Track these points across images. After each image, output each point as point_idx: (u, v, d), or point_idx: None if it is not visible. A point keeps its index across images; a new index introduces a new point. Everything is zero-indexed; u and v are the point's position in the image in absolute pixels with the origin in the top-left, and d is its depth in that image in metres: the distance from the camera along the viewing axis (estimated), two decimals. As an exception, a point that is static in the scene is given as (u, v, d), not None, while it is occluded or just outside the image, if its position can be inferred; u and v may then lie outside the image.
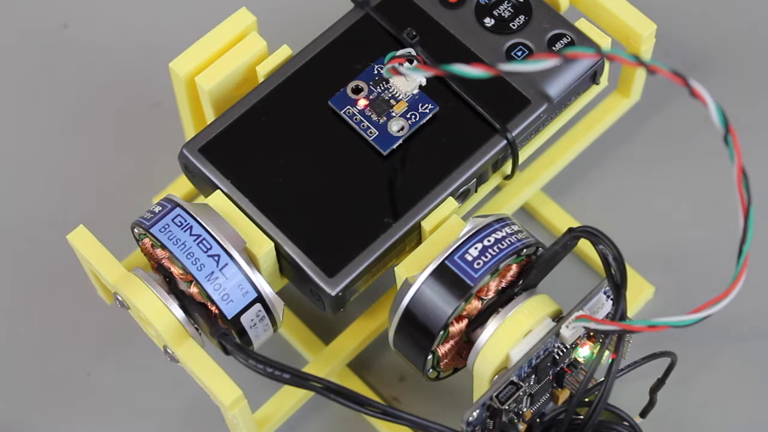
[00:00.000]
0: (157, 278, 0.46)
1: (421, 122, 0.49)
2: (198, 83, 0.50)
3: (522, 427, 0.47)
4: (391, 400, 0.55)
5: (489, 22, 0.51)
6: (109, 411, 0.55)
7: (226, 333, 0.45)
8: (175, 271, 0.46)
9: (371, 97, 0.49)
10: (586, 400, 0.46)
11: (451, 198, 0.48)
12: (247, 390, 0.46)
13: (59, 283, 0.57)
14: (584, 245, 0.56)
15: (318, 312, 0.48)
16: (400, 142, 0.48)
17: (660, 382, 0.49)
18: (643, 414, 0.50)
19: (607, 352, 0.45)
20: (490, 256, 0.45)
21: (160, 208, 0.46)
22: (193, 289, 0.46)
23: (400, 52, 0.48)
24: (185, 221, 0.45)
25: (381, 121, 0.49)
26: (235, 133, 0.49)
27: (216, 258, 0.45)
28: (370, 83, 0.49)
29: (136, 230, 0.47)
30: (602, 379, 0.45)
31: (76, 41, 0.64)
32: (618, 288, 0.44)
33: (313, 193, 0.48)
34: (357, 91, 0.49)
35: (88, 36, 0.64)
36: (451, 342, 0.46)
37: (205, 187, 0.49)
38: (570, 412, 0.45)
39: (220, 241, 0.45)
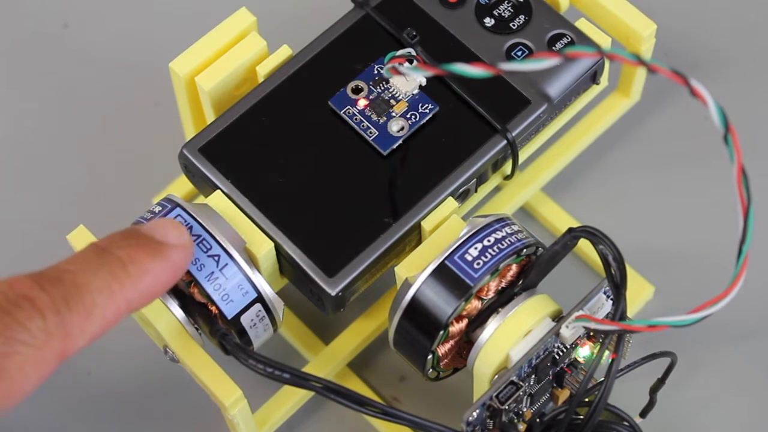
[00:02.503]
0: (157, 278, 0.46)
1: (421, 122, 0.49)
2: (198, 83, 0.50)
3: (522, 426, 0.47)
4: (391, 400, 0.55)
5: (489, 22, 0.51)
6: (109, 411, 0.55)
7: (226, 333, 0.45)
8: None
9: (371, 97, 0.49)
10: (586, 400, 0.46)
11: (451, 198, 0.48)
12: (247, 390, 0.46)
13: (59, 283, 0.57)
14: (584, 245, 0.56)
15: (318, 312, 0.48)
16: (400, 142, 0.48)
17: (660, 382, 0.49)
18: (643, 414, 0.50)
19: (607, 352, 0.45)
20: (490, 256, 0.45)
21: (160, 208, 0.46)
22: (193, 289, 0.46)
23: (400, 52, 0.48)
24: (185, 221, 0.45)
25: (381, 121, 0.49)
26: (235, 133, 0.49)
27: (216, 258, 0.45)
28: (370, 83, 0.49)
29: (136, 230, 0.47)
30: (602, 379, 0.45)
31: (76, 41, 0.64)
32: (618, 288, 0.44)
33: (313, 193, 0.48)
34: (357, 91, 0.49)
35: (88, 36, 0.64)
36: (451, 342, 0.46)
37: (205, 187, 0.49)
38: (570, 412, 0.45)
39: (220, 242, 0.45)
